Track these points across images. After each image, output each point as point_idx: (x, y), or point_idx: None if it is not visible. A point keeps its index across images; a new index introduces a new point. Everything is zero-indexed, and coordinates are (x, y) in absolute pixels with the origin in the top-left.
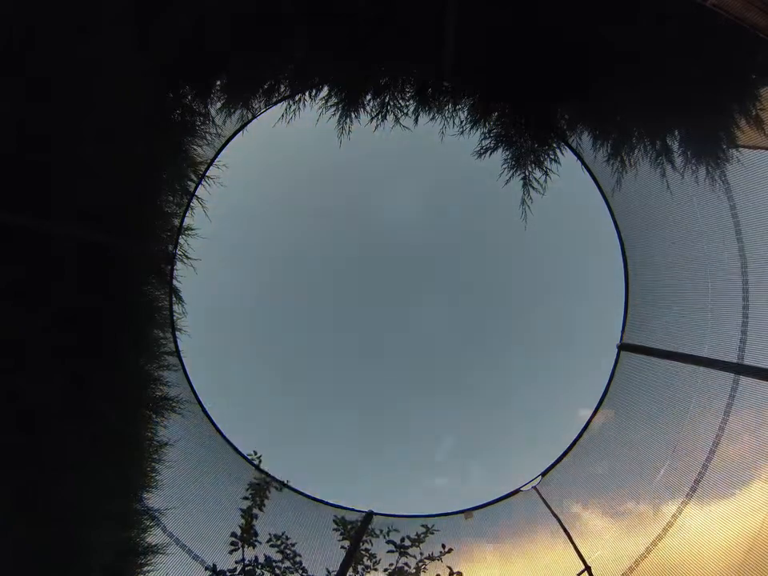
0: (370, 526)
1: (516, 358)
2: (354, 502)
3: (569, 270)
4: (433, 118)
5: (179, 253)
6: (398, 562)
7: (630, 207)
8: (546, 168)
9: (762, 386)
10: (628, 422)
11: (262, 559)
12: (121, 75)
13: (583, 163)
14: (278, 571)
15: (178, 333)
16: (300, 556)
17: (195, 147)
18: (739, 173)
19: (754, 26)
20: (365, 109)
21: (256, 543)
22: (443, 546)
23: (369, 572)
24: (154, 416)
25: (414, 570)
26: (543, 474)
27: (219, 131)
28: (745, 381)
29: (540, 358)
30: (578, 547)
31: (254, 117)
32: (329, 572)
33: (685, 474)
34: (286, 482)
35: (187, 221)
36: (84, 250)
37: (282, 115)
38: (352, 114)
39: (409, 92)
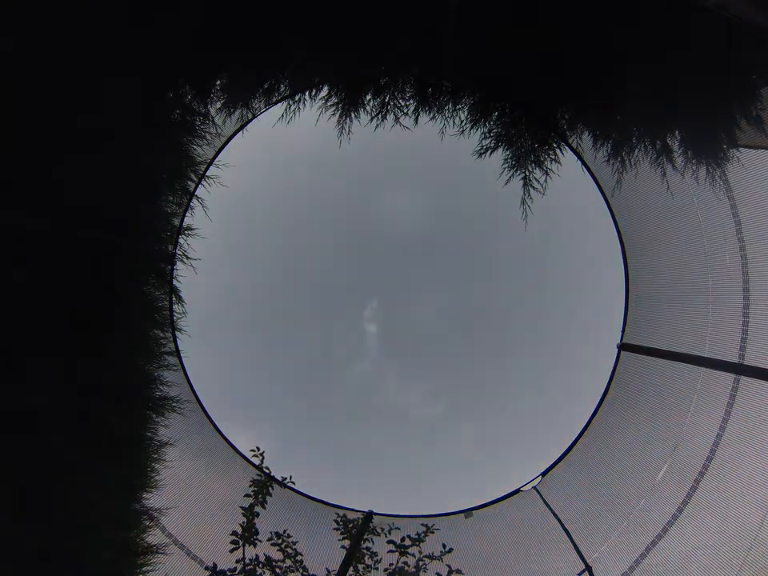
0: (370, 525)
1: (516, 358)
2: (353, 502)
3: (569, 269)
4: (433, 117)
5: (179, 253)
6: (398, 561)
7: (630, 207)
8: (546, 168)
9: (763, 385)
10: (628, 422)
11: (262, 558)
12: (121, 75)
13: (583, 163)
14: (278, 571)
15: (177, 333)
16: (302, 555)
17: (195, 147)
18: (739, 172)
19: (755, 25)
20: (365, 109)
21: (257, 542)
22: (443, 546)
23: (369, 571)
24: (153, 416)
25: (414, 569)
26: (543, 474)
27: (219, 131)
28: (745, 381)
29: (540, 358)
30: (579, 547)
31: (254, 117)
32: (329, 571)
33: (685, 474)
34: (287, 479)
35: (187, 221)
36: (84, 250)
37: (282, 115)
38: (352, 113)
39: (409, 92)
